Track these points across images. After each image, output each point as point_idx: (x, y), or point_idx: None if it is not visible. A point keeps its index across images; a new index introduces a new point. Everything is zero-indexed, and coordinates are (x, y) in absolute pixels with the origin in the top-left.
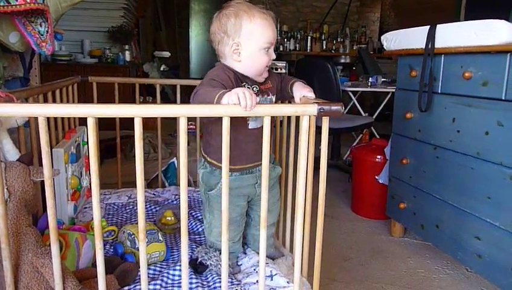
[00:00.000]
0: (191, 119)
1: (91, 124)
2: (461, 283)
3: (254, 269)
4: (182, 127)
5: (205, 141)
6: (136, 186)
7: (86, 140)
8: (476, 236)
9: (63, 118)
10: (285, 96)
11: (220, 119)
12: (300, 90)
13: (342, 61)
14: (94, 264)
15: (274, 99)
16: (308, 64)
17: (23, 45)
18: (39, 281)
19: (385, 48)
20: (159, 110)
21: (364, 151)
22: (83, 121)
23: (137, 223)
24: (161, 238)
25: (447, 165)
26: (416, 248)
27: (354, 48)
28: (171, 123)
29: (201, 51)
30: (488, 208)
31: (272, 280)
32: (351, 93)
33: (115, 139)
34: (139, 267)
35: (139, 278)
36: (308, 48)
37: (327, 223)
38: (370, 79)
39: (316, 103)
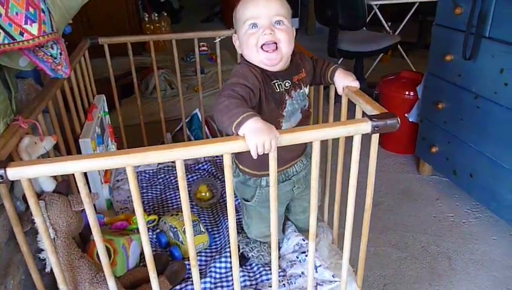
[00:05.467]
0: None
1: (130, 172)
2: (491, 228)
3: (297, 257)
4: (227, 167)
5: None
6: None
7: (106, 110)
8: None
9: (79, 90)
10: (319, 83)
11: None
12: (343, 80)
13: None
14: (142, 261)
15: (307, 91)
16: None
17: (33, 65)
18: None
19: None
20: (201, 151)
21: (393, 87)
22: (100, 89)
23: (176, 214)
24: (203, 229)
25: (488, 118)
26: (444, 188)
27: None
28: (182, 44)
29: None
30: None
31: (316, 271)
32: (374, 5)
33: (127, 74)
34: (187, 263)
35: (188, 277)
36: None
37: None
38: None
39: (369, 118)
